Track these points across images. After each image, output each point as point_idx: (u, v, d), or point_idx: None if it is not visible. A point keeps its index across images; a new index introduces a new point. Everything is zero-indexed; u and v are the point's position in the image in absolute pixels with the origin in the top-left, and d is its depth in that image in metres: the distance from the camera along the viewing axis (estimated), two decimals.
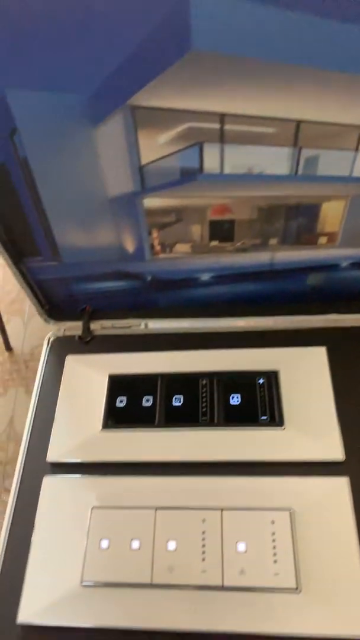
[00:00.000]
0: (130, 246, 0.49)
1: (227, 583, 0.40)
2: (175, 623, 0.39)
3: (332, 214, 0.44)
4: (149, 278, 0.53)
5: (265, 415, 0.48)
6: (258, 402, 0.49)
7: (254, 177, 0.41)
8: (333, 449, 0.45)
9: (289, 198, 0.43)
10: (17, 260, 0.50)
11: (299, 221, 0.45)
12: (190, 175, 0.41)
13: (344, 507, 0.42)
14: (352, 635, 0.37)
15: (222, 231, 0.47)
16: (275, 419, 0.48)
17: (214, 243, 0.48)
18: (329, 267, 0.50)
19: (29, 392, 0.53)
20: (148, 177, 0.42)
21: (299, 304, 0.54)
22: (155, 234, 0.47)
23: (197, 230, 0.47)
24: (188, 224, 0.46)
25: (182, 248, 0.49)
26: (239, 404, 0.49)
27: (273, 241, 0.47)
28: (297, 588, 0.39)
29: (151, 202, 0.44)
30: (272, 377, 0.50)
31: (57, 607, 0.41)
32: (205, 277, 0.52)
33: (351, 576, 0.39)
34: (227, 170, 0.40)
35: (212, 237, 0.47)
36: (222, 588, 0.40)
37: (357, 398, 0.49)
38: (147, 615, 0.40)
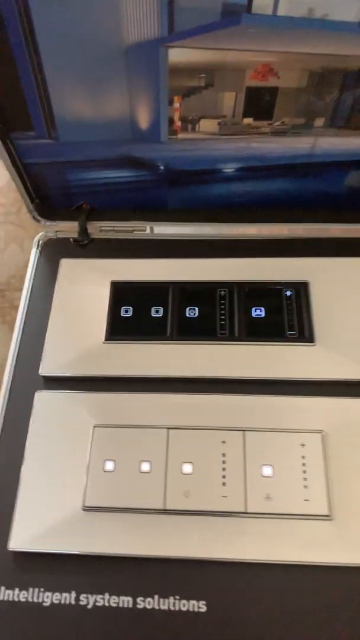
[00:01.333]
0: (144, 120, 0.40)
1: (250, 509, 0.35)
2: (192, 551, 0.34)
3: None
4: (162, 168, 0.44)
5: (293, 330, 0.42)
6: (285, 316, 0.43)
7: (314, 23, 0.32)
8: None
9: (350, 59, 0.35)
10: (4, 134, 0.41)
11: (356, 95, 0.37)
12: (233, 17, 0.32)
13: None
14: None
15: (260, 104, 0.38)
16: (305, 334, 0.42)
17: (248, 120, 0.40)
18: None
19: (5, 323, 0.48)
20: (179, 16, 0.32)
21: (333, 211, 0.47)
22: (177, 103, 0.38)
23: (230, 101, 0.38)
24: (220, 90, 0.37)
25: (207, 126, 0.40)
26: (263, 318, 0.43)
27: (319, 122, 0.39)
28: (329, 515, 0.35)
29: (178, 54, 0.35)
30: (301, 289, 0.44)
31: (55, 533, 0.35)
32: (229, 168, 0.44)
33: None
34: (282, 11, 0.31)
35: (247, 112, 0.39)
36: (246, 514, 0.35)
37: None
38: (160, 543, 0.35)
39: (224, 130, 0.41)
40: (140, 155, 0.44)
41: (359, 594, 0.33)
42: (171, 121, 0.40)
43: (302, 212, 0.47)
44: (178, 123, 0.40)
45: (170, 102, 0.38)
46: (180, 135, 0.41)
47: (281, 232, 0.48)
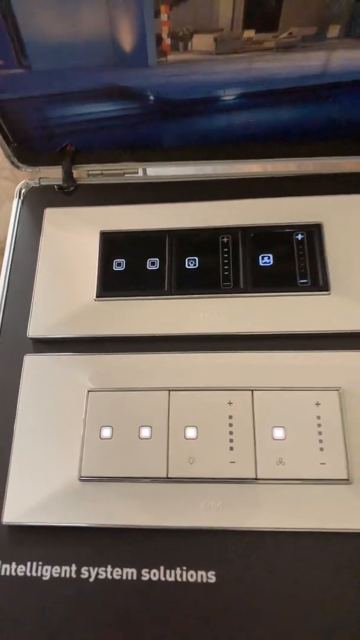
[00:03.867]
0: (127, 40, 0.34)
1: (261, 475, 0.32)
2: (198, 521, 0.32)
3: None
4: (152, 98, 0.39)
5: (305, 278, 0.38)
6: (296, 263, 0.38)
7: None
8: None
9: None
10: None
11: None
12: None
13: None
14: None
15: (263, 11, 0.32)
16: (319, 282, 0.37)
17: (249, 33, 0.34)
18: None
19: None
20: None
21: (347, 142, 0.42)
22: (164, 15, 0.33)
23: (227, 9, 0.32)
24: None
25: (201, 43, 0.34)
26: (272, 266, 0.39)
27: (333, 31, 0.33)
28: (348, 479, 0.32)
29: None
30: (313, 232, 0.39)
31: (51, 505, 0.33)
32: (229, 95, 0.39)
33: None
34: None
35: (248, 23, 0.33)
36: (256, 480, 0.32)
37: None
38: (163, 513, 0.32)
39: (222, 48, 0.35)
40: (127, 84, 0.38)
41: None
42: (159, 39, 0.34)
43: (313, 145, 0.41)
44: (167, 41, 0.34)
45: (157, 14, 0.32)
46: (171, 57, 0.35)
47: (289, 168, 0.43)
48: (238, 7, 0.32)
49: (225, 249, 0.39)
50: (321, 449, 0.33)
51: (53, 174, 0.45)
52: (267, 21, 0.33)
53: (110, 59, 0.36)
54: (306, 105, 0.39)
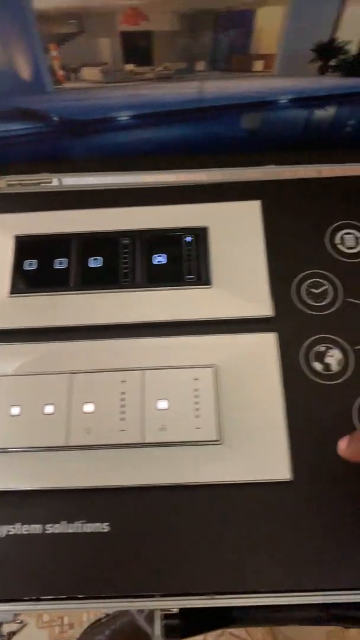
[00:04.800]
0: (25, 71, 0.40)
1: (148, 440, 0.38)
2: (95, 480, 0.38)
3: (268, 27, 0.36)
4: (55, 118, 0.44)
5: (191, 274, 0.44)
6: (184, 261, 0.45)
7: None
8: (262, 306, 0.43)
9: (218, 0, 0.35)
10: None
11: (231, 36, 0.37)
12: None
13: (271, 361, 0.41)
14: (271, 479, 0.37)
15: (138, 49, 0.38)
16: (202, 277, 0.44)
17: (130, 67, 0.40)
18: (266, 103, 0.43)
19: None
20: None
21: (234, 155, 0.48)
22: (54, 51, 0.38)
23: (106, 47, 0.38)
24: (93, 37, 0.37)
25: (90, 74, 0.40)
26: (164, 264, 0.45)
27: (200, 65, 0.40)
28: (218, 440, 0.38)
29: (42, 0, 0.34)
30: (200, 234, 0.45)
31: None
32: (123, 116, 0.44)
33: (273, 426, 0.39)
34: None
35: (127, 58, 0.39)
36: (143, 445, 0.38)
37: (290, 254, 0.45)
38: (65, 475, 0.38)
39: (109, 78, 0.41)
40: (32, 107, 0.43)
41: (244, 505, 0.37)
42: (53, 71, 0.40)
43: (200, 157, 0.48)
44: (60, 72, 0.40)
45: (47, 51, 0.38)
46: (66, 85, 0.41)
47: (186, 178, 0.49)
48: (115, 45, 0.38)
49: (125, 250, 0.45)
50: (197, 416, 0.39)
51: None
52: (143, 57, 0.39)
53: (15, 86, 0.41)
54: (190, 124, 0.45)
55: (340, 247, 0.46)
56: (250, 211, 0.46)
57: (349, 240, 0.46)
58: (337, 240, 0.46)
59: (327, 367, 0.41)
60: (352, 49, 0.38)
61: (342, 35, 0.37)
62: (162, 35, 0.37)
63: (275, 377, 0.40)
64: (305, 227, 0.47)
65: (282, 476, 0.37)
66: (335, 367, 0.41)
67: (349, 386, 0.40)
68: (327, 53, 0.38)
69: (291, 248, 0.46)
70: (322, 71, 0.40)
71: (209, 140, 0.47)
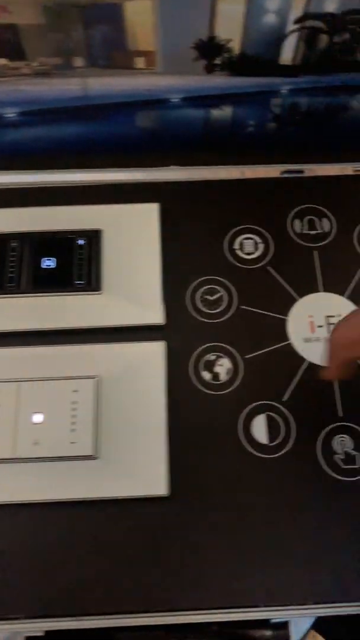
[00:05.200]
0: None
1: (20, 455, 0.37)
2: None
3: (141, 22, 0.35)
4: None
5: (81, 279, 0.42)
6: (75, 265, 0.43)
7: None
8: (153, 313, 0.41)
9: None
10: None
11: (103, 31, 0.35)
12: None
13: (157, 371, 0.39)
14: (147, 495, 0.36)
15: (6, 43, 0.36)
16: (92, 283, 0.42)
17: (3, 61, 0.37)
18: (158, 102, 0.41)
19: None
20: None
21: (133, 155, 0.47)
22: None
23: None
24: None
25: None
26: (53, 268, 0.43)
27: (78, 61, 0.38)
28: (93, 455, 0.37)
29: None
30: (93, 237, 0.44)
31: None
32: (10, 113, 0.42)
33: (154, 440, 0.37)
34: None
35: None
36: (14, 460, 0.37)
37: (186, 260, 0.44)
38: None
39: None
40: None
41: (117, 522, 0.36)
42: None
43: (96, 157, 0.46)
44: None
45: None
46: None
47: (79, 178, 0.47)
48: None
49: (13, 253, 0.43)
50: (73, 430, 0.37)
51: None
52: (14, 51, 0.37)
53: None
54: (81, 122, 0.43)
55: (239, 252, 0.45)
56: (148, 214, 0.45)
57: (248, 245, 0.45)
58: (236, 245, 0.45)
59: (215, 376, 0.40)
60: (235, 47, 0.37)
61: (221, 33, 0.36)
62: (29, 28, 0.35)
63: (161, 388, 0.39)
64: (205, 232, 0.45)
65: (158, 492, 0.36)
66: (223, 377, 0.40)
67: (236, 397, 0.39)
68: (210, 51, 0.37)
69: (188, 253, 0.44)
70: (209, 70, 0.38)
71: (103, 139, 0.45)
